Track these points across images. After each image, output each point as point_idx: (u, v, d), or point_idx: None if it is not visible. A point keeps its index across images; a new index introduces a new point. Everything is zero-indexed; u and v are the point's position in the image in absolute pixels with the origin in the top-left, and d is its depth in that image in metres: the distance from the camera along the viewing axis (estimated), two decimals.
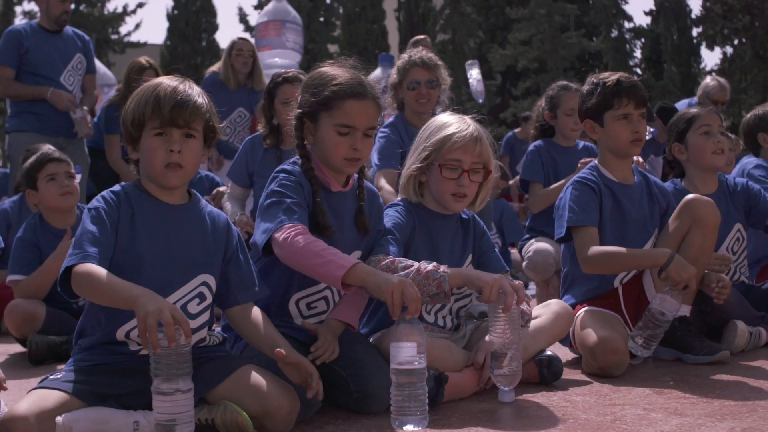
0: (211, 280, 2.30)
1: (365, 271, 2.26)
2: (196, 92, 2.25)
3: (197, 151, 2.26)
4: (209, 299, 2.30)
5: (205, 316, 2.29)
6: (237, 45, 6.04)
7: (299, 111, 2.54)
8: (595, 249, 2.96)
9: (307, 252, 2.27)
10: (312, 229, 2.42)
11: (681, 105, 7.23)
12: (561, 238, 3.07)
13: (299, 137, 2.56)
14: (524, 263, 4.36)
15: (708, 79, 7.19)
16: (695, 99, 7.16)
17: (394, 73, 4.27)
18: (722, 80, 7.04)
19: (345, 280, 2.23)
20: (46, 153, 3.87)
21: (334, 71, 2.53)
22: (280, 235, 2.31)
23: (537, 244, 4.29)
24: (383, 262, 2.48)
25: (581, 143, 4.49)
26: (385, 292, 2.17)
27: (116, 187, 2.27)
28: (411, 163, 2.76)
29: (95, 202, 2.20)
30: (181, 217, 2.29)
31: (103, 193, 2.24)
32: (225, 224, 2.38)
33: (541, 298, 4.22)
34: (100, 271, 2.03)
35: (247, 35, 6.52)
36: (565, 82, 4.66)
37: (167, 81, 2.24)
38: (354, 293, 2.59)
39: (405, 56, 4.29)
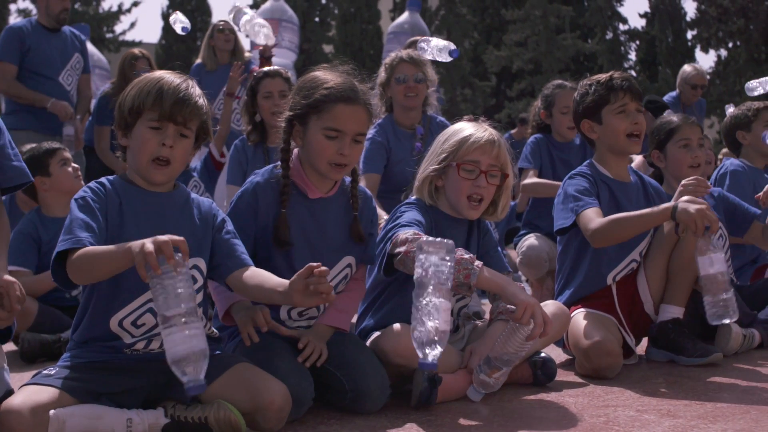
0: (202, 263, 2.30)
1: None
2: (197, 92, 2.27)
3: (187, 150, 2.28)
4: (201, 281, 2.30)
5: (198, 297, 2.28)
6: (217, 26, 6.09)
7: (290, 113, 2.54)
8: (601, 219, 2.92)
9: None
10: (273, 242, 2.46)
11: (665, 99, 7.36)
12: (563, 228, 3.06)
13: (286, 141, 2.55)
14: (518, 259, 4.38)
15: (685, 66, 7.54)
16: (676, 91, 7.48)
17: (381, 72, 4.29)
18: (698, 65, 7.42)
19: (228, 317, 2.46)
20: (53, 144, 4.01)
21: (327, 76, 2.53)
22: None
23: (530, 241, 4.32)
24: (421, 238, 2.24)
25: (579, 137, 4.49)
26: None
27: (102, 179, 2.27)
28: (427, 166, 2.75)
29: (81, 192, 2.20)
30: (168, 205, 2.30)
31: (89, 184, 2.24)
32: (209, 206, 2.39)
33: (536, 299, 4.21)
34: (92, 247, 2.04)
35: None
36: (560, 81, 4.70)
37: (170, 76, 2.25)
38: (343, 298, 2.58)
39: (392, 54, 4.32)
